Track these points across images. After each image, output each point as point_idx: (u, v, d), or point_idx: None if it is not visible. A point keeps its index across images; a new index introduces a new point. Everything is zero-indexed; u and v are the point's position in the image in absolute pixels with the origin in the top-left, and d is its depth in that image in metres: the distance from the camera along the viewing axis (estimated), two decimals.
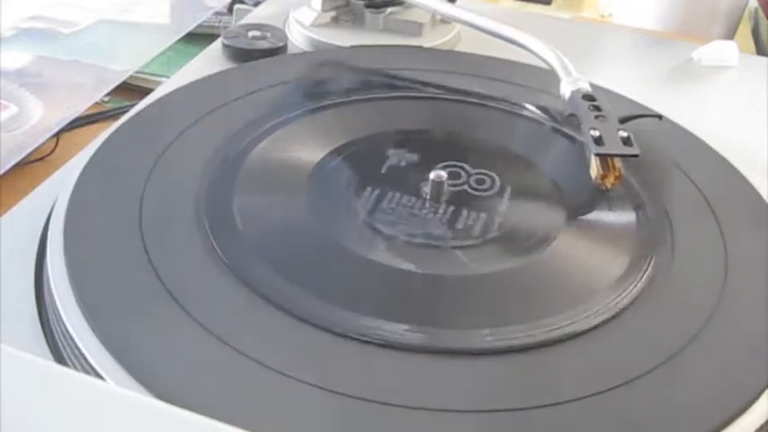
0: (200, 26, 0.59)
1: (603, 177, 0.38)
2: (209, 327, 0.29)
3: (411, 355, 0.29)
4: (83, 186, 0.35)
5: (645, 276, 0.34)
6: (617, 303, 0.32)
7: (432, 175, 0.37)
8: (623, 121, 0.39)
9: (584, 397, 0.28)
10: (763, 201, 0.39)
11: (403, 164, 0.39)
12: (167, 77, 0.50)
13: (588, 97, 0.40)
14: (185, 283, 0.31)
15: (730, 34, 0.75)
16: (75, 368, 0.28)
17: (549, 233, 0.36)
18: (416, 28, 0.52)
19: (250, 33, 0.50)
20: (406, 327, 0.30)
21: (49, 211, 0.35)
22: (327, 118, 0.42)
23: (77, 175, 0.36)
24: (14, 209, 0.36)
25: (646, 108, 0.44)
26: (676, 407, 0.28)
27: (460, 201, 0.37)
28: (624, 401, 0.28)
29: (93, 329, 0.29)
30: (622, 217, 0.37)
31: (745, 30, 0.76)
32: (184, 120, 0.40)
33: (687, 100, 0.49)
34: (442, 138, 0.42)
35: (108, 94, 0.52)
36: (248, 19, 0.55)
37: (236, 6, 0.57)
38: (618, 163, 0.38)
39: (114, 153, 0.38)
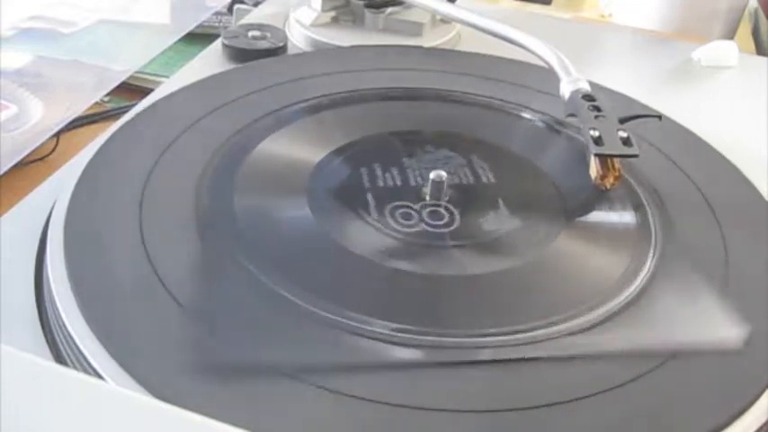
0: (200, 26, 0.59)
1: (603, 177, 0.38)
2: (209, 327, 0.29)
3: (410, 355, 0.29)
4: (83, 186, 0.35)
5: (645, 276, 0.34)
6: (616, 303, 0.32)
7: (432, 175, 0.37)
8: (623, 121, 0.39)
9: (584, 397, 0.28)
10: (764, 201, 0.39)
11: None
12: (167, 77, 0.50)
13: (588, 97, 0.40)
14: (185, 284, 0.31)
15: (730, 34, 0.75)
16: (76, 368, 0.28)
17: (548, 233, 0.36)
18: (416, 28, 0.52)
19: (250, 33, 0.50)
20: (405, 327, 0.30)
21: (49, 211, 0.35)
22: (327, 118, 0.42)
23: (77, 175, 0.36)
24: (14, 209, 0.36)
25: (646, 108, 0.44)
26: (676, 407, 0.28)
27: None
28: (624, 401, 0.28)
29: (93, 330, 0.29)
30: (622, 217, 0.37)
31: (745, 30, 0.77)
32: (184, 120, 0.40)
33: (687, 100, 0.49)
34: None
35: (108, 94, 0.52)
36: (248, 19, 0.55)
37: (236, 6, 0.57)
38: (617, 163, 0.38)
39: (114, 153, 0.38)
